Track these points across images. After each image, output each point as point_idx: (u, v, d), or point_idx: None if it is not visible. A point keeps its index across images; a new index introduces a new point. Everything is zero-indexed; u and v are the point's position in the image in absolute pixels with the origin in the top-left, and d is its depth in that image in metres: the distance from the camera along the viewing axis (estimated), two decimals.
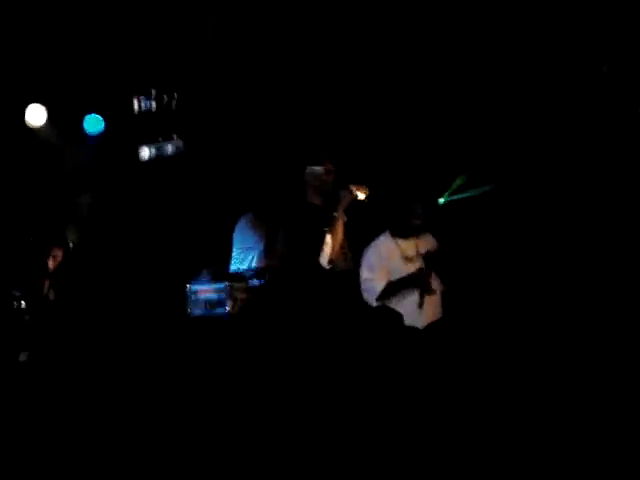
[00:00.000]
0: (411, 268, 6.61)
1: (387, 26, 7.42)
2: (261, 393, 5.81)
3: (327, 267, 6.49)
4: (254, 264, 6.91)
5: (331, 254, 6.47)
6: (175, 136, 7.50)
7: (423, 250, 6.66)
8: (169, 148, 7.47)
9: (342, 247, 6.57)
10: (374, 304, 6.53)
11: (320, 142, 7.31)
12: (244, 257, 6.97)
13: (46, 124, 7.32)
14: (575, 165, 7.32)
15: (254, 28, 7.51)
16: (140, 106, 7.46)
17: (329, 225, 6.54)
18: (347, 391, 5.42)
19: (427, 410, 5.00)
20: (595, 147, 7.28)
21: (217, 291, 6.73)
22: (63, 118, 7.42)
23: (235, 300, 6.65)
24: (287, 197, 7.03)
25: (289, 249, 6.68)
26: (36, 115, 7.33)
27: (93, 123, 7.51)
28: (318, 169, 6.63)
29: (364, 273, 6.62)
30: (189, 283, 6.80)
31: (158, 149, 7.47)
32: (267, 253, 6.84)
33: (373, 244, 6.72)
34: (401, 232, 6.69)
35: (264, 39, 7.54)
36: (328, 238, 6.50)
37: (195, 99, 7.68)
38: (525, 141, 7.47)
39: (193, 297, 6.75)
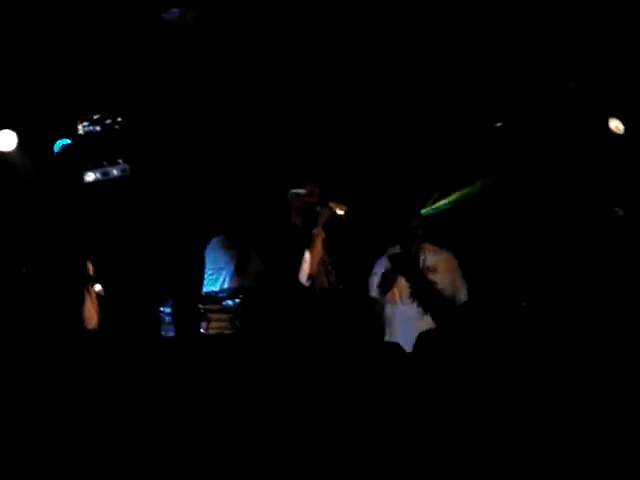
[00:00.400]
0: None
1: (364, 52, 7.52)
2: (239, 415, 5.82)
3: (306, 284, 6.56)
4: (226, 285, 6.97)
5: (309, 270, 6.55)
6: (121, 160, 7.52)
7: (430, 263, 6.73)
8: (114, 172, 7.49)
9: (322, 264, 6.65)
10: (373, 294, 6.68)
11: (294, 161, 7.40)
12: (216, 278, 7.03)
13: (16, 149, 7.34)
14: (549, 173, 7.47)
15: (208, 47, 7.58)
16: (85, 130, 7.49)
17: (308, 243, 6.62)
18: (330, 411, 5.45)
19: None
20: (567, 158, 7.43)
21: None
22: (34, 143, 7.43)
23: (209, 321, 6.68)
24: (259, 217, 7.09)
25: (264, 269, 6.76)
26: (6, 141, 7.34)
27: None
28: (300, 191, 6.73)
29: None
30: (162, 305, 6.82)
31: (103, 173, 7.49)
32: (238, 273, 6.91)
33: (385, 256, 6.80)
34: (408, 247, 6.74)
35: (221, 56, 7.61)
36: (307, 255, 6.58)
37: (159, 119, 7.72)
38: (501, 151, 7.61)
39: (167, 319, 6.78)
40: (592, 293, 6.71)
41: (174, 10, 7.26)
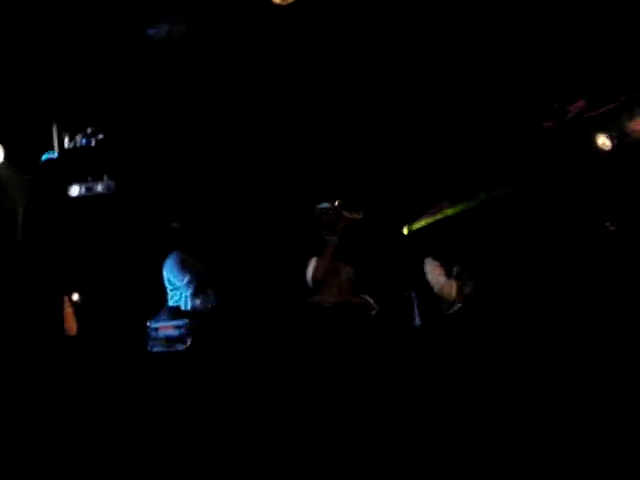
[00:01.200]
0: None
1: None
2: (225, 431, 5.79)
3: (312, 286, 6.62)
4: (187, 305, 6.93)
5: (314, 274, 6.61)
6: (106, 176, 7.47)
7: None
8: (99, 187, 7.44)
9: (335, 275, 6.68)
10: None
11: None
12: (178, 297, 6.98)
13: (3, 162, 7.32)
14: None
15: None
16: (71, 143, 7.44)
17: (320, 249, 6.69)
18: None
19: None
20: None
21: (177, 327, 6.72)
22: (21, 156, 7.41)
23: None
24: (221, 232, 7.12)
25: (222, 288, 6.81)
26: None
27: None
28: (326, 205, 6.80)
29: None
30: (149, 320, 6.79)
31: (88, 188, 7.43)
32: (197, 295, 6.90)
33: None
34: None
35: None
36: (313, 260, 6.66)
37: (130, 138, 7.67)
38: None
39: (153, 334, 6.74)
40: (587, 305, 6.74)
41: (161, 25, 7.24)
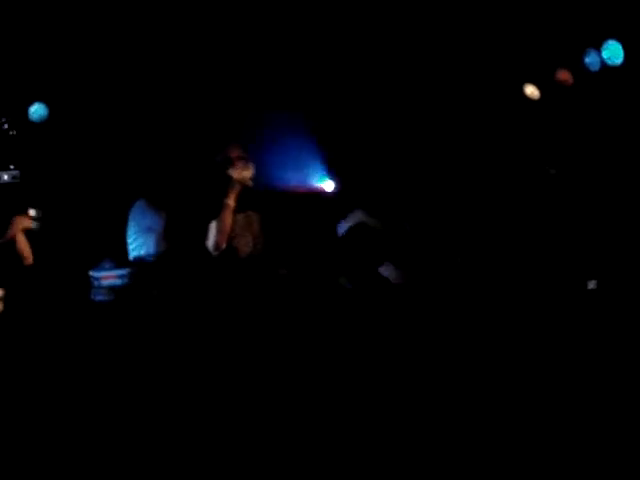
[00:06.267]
0: None
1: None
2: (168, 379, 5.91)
3: (214, 253, 6.60)
4: (153, 249, 6.98)
5: (215, 240, 6.55)
6: (12, 166, 7.46)
7: None
8: (4, 177, 7.42)
9: (239, 237, 6.65)
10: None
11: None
12: (143, 242, 7.02)
13: None
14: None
15: None
16: None
17: (218, 212, 6.61)
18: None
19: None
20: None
21: (120, 277, 6.80)
22: None
23: None
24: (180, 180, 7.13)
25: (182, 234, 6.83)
26: None
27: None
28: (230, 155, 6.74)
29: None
30: (91, 270, 6.86)
31: None
32: (166, 237, 6.93)
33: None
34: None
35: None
36: (212, 225, 6.59)
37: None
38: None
39: (96, 284, 6.81)
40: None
41: None
